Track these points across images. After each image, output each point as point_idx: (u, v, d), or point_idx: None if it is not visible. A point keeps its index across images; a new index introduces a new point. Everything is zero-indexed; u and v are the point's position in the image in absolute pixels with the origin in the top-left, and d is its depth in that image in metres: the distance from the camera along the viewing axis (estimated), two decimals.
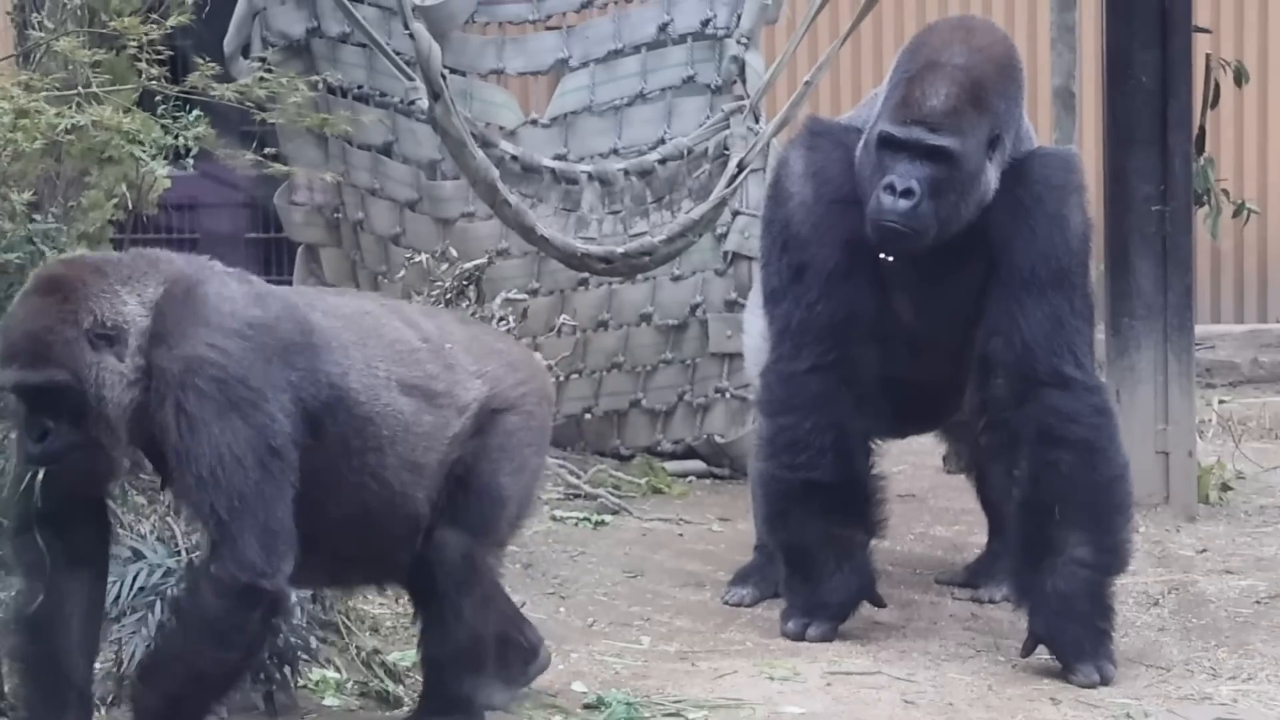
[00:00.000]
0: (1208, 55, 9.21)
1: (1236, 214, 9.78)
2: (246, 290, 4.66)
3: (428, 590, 5.12)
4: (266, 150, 6.98)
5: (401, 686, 5.88)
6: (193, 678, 4.55)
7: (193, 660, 4.53)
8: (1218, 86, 9.63)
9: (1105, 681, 6.09)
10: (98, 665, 4.92)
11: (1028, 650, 6.28)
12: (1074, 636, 6.17)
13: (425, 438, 4.87)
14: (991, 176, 6.25)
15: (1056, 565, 6.19)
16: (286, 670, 5.58)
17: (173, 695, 4.56)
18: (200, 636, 4.52)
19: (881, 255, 6.29)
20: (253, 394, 4.47)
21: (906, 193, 6.09)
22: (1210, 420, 9.85)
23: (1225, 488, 8.53)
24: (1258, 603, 6.94)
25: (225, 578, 4.45)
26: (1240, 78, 9.79)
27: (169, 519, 5.60)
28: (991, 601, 6.94)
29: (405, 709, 5.74)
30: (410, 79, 7.39)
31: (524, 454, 5.19)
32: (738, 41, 8.88)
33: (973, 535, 7.59)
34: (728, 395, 8.91)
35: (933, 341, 6.52)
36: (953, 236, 6.26)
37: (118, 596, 5.16)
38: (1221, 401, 10.45)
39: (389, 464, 4.78)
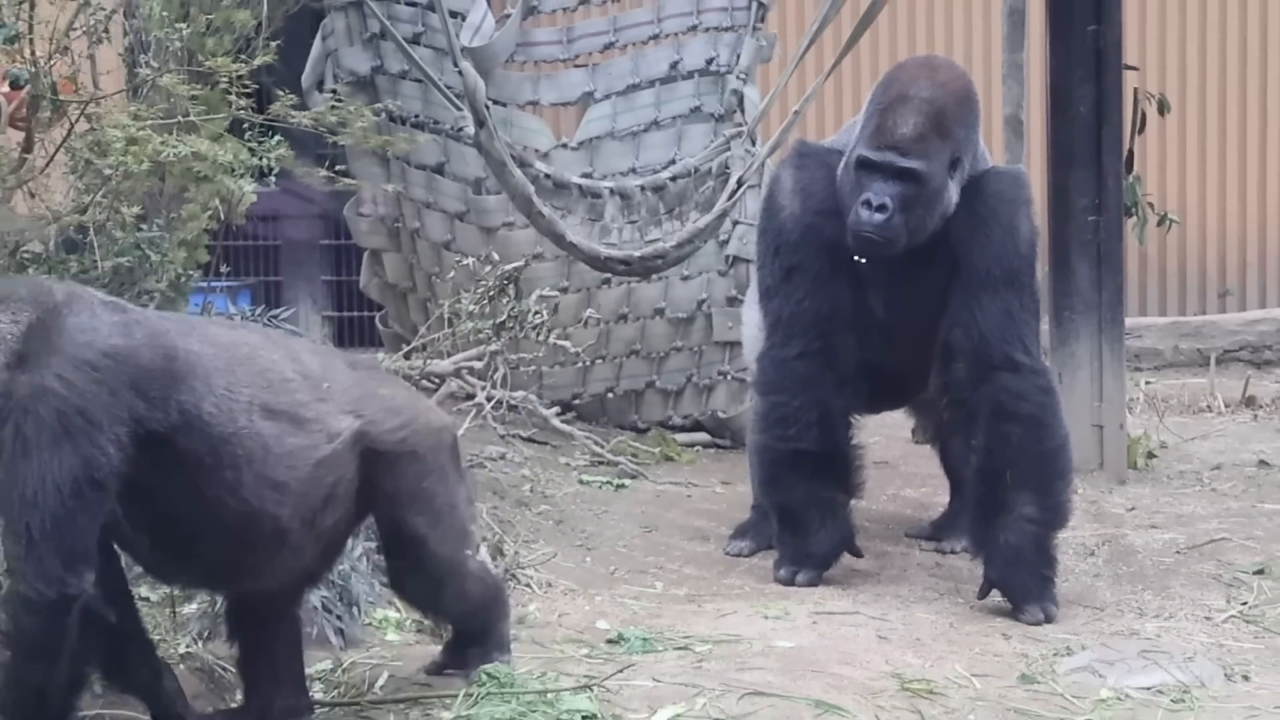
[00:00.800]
0: (1135, 89, 9.17)
1: (1160, 223, 9.73)
2: (114, 320, 4.29)
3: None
4: (337, 169, 6.98)
5: None
6: (33, 694, 4.23)
7: (27, 679, 4.23)
8: (1144, 115, 9.59)
9: (1049, 620, 6.08)
10: None
11: (983, 593, 6.26)
12: (1022, 582, 6.16)
13: (288, 458, 4.45)
14: (953, 192, 6.24)
15: (1008, 522, 6.17)
16: (354, 610, 5.59)
17: (25, 714, 4.26)
18: (26, 656, 4.21)
19: (859, 259, 6.29)
20: (89, 427, 4.15)
21: (881, 208, 6.09)
22: (1138, 399, 9.83)
23: (1151, 456, 8.51)
24: (1178, 553, 6.92)
25: (33, 595, 4.12)
26: (1163, 108, 9.75)
27: None
28: (953, 552, 6.93)
29: None
30: (459, 109, 7.39)
31: (433, 492, 4.83)
32: (737, 77, 8.88)
33: (937, 496, 7.57)
34: (729, 377, 8.90)
35: (903, 332, 6.50)
36: (920, 243, 6.25)
37: None
38: (1148, 383, 10.41)
39: (246, 481, 4.39)
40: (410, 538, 4.82)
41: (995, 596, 6.23)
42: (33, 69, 5.68)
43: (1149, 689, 5.34)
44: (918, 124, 6.14)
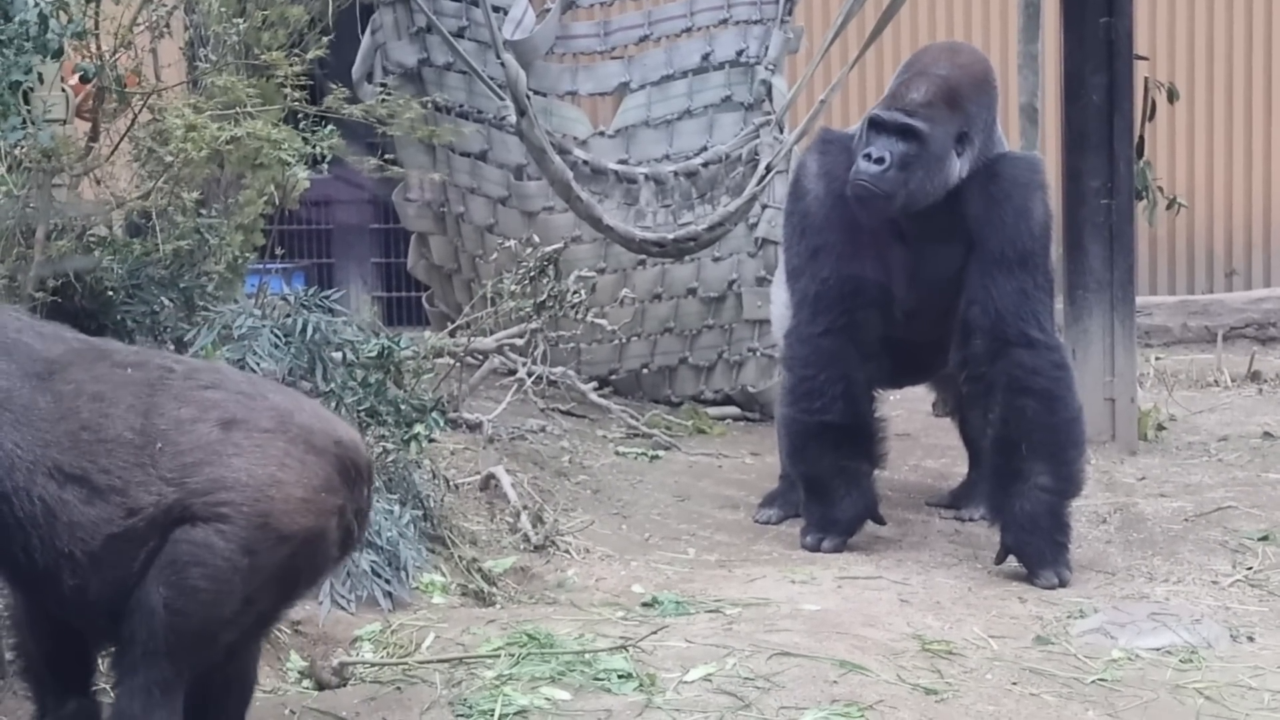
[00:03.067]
0: (1146, 78, 9.14)
1: (1169, 207, 9.73)
2: None
3: None
4: (386, 157, 6.98)
5: (494, 588, 5.90)
6: None
7: None
8: (1154, 103, 9.57)
9: (1063, 584, 6.08)
10: None
11: (1000, 559, 6.26)
12: (1037, 548, 6.15)
13: (74, 528, 3.87)
14: (958, 166, 6.23)
15: (1023, 490, 6.17)
16: (402, 574, 5.61)
17: None
18: None
19: (859, 213, 6.27)
20: None
21: (879, 160, 6.12)
22: (1148, 374, 9.78)
23: (1160, 428, 8.47)
24: (1186, 520, 6.89)
25: None
26: (1172, 96, 9.74)
27: None
28: (971, 520, 6.92)
29: (498, 606, 5.76)
30: (502, 99, 7.39)
31: (192, 572, 3.87)
32: (766, 68, 8.86)
33: (956, 467, 7.55)
34: (758, 354, 8.89)
35: (922, 309, 6.50)
36: (934, 222, 6.25)
37: None
38: (1157, 358, 10.36)
39: (32, 545, 3.88)
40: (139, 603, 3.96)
41: (1012, 562, 6.22)
42: (99, 63, 5.69)
43: (1158, 649, 5.35)
44: (928, 91, 6.18)
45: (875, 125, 6.20)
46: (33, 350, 4.05)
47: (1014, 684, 5.03)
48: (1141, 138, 9.07)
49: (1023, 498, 6.17)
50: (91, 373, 4.02)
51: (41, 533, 3.89)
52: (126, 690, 3.94)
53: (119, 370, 4.04)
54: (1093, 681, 5.09)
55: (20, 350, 4.04)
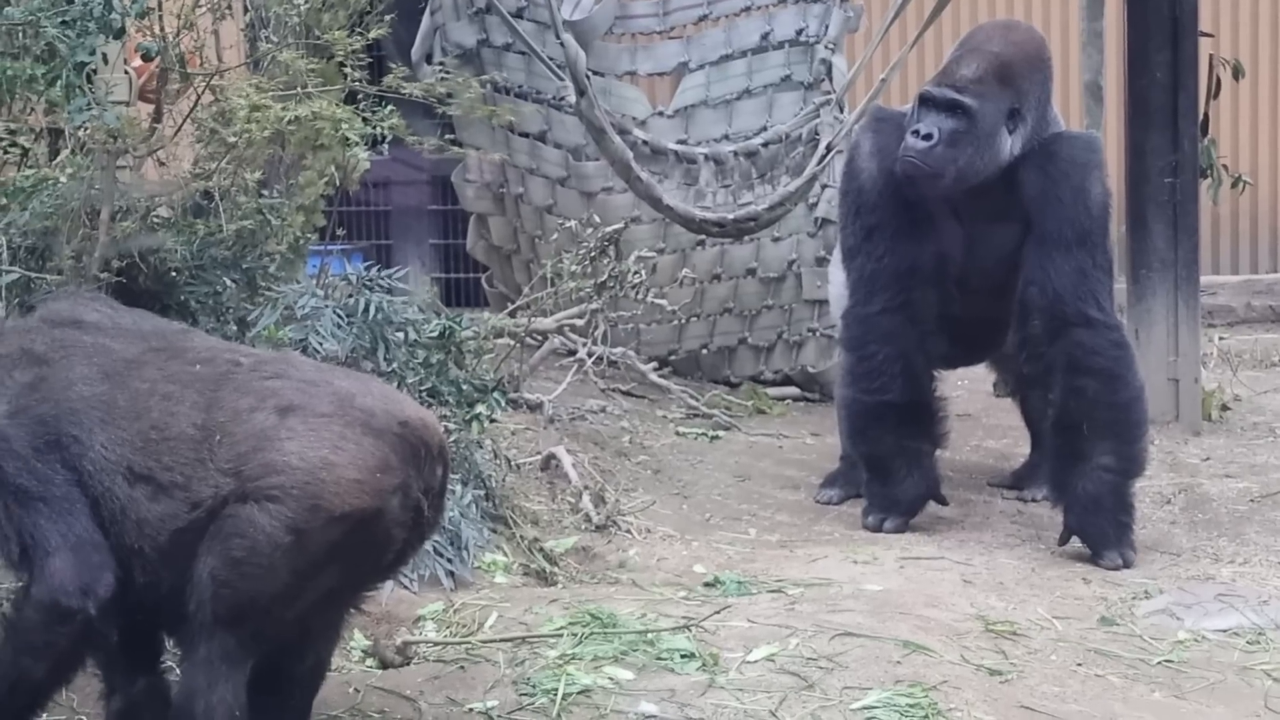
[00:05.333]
0: (1210, 55, 9.06)
1: (1234, 185, 9.65)
2: (21, 379, 4.07)
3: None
4: (446, 137, 7.00)
5: (556, 568, 5.92)
6: (7, 685, 4.05)
7: (7, 667, 4.04)
8: (1219, 80, 9.50)
9: (1127, 565, 6.06)
10: None
11: (1063, 540, 6.24)
12: (1101, 529, 6.13)
13: (141, 525, 3.98)
14: (1009, 143, 6.21)
15: (1086, 471, 6.14)
16: (464, 554, 5.63)
17: None
18: (14, 645, 4.04)
19: (908, 190, 6.26)
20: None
21: (927, 136, 6.13)
22: (1212, 353, 9.72)
23: (1224, 408, 8.42)
24: (1251, 501, 6.86)
25: (40, 595, 3.96)
26: (1238, 73, 9.66)
27: None
28: (1034, 501, 6.90)
29: (560, 585, 5.77)
30: (561, 79, 7.40)
31: (234, 544, 3.92)
32: (825, 47, 8.84)
33: (1018, 447, 7.53)
34: (818, 334, 8.88)
35: (979, 288, 6.49)
36: (989, 200, 6.24)
37: None
38: (1221, 338, 10.31)
39: (110, 543, 3.98)
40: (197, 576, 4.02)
41: (1075, 543, 6.20)
42: (162, 43, 5.72)
43: (1225, 631, 5.32)
44: (979, 67, 6.17)
45: (925, 101, 6.19)
46: (112, 350, 4.15)
47: (1079, 665, 5.02)
48: (1206, 115, 9.01)
49: (1085, 478, 6.14)
50: (164, 371, 4.10)
51: (117, 530, 3.98)
52: (190, 665, 3.99)
53: (189, 368, 4.11)
54: (1158, 663, 5.07)
55: (101, 352, 4.14)
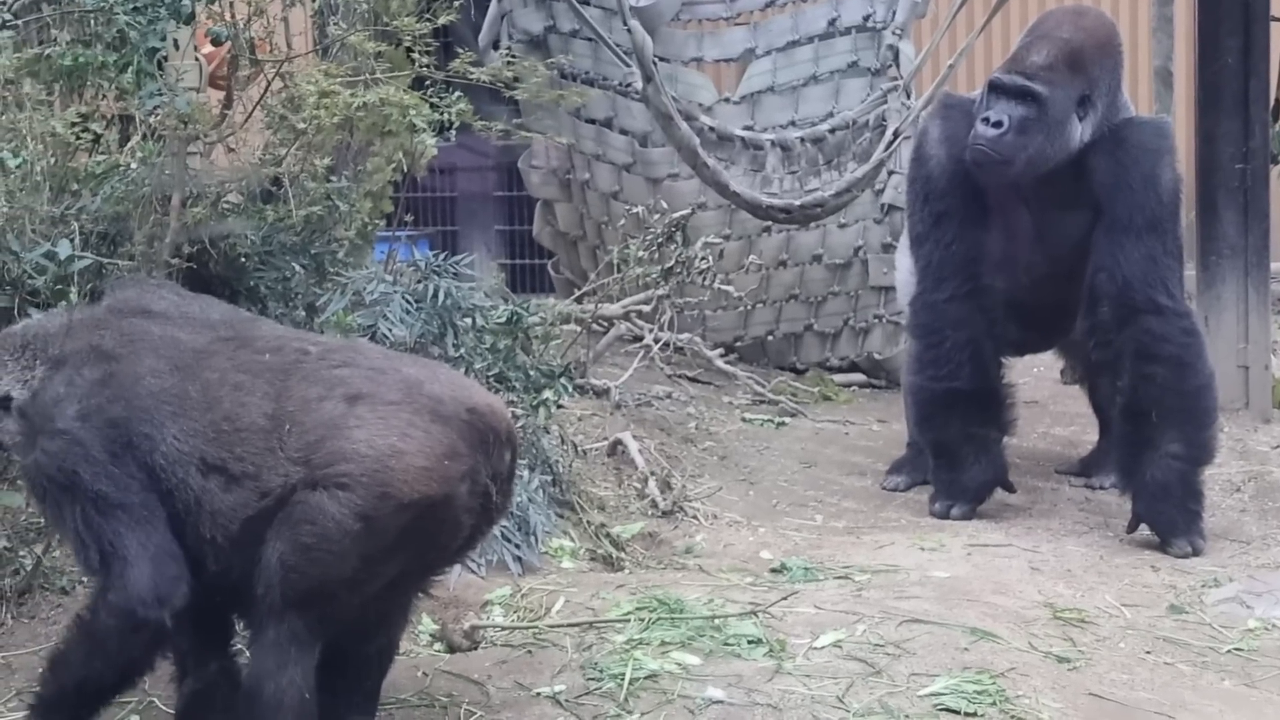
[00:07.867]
0: None
1: None
2: (90, 376, 4.11)
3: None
4: (514, 123, 7.01)
5: (623, 553, 5.92)
6: (76, 682, 4.10)
7: (78, 667, 4.10)
8: None
9: (1196, 553, 6.02)
10: None
11: (1132, 528, 6.20)
12: (1170, 516, 6.09)
13: (215, 515, 4.01)
14: (1079, 130, 6.18)
15: (1154, 458, 6.11)
16: (531, 539, 5.64)
17: (60, 690, 4.13)
18: (87, 648, 4.08)
19: (978, 178, 6.24)
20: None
21: (997, 124, 6.11)
22: None
23: None
24: None
25: (118, 603, 4.00)
26: None
27: None
28: (1101, 488, 6.87)
29: (627, 571, 5.78)
30: (627, 65, 7.39)
31: (303, 529, 3.94)
32: (893, 33, 8.82)
33: (1086, 434, 7.49)
34: (884, 320, 8.87)
35: (1048, 275, 6.46)
36: (1059, 187, 6.21)
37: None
38: None
39: (184, 534, 4.03)
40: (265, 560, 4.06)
41: (1144, 530, 6.16)
42: (232, 29, 5.75)
43: None
44: (1049, 53, 6.14)
45: (995, 88, 6.16)
46: (180, 341, 4.17)
47: (1148, 653, 4.99)
48: (1278, 101, 8.93)
49: (1154, 466, 6.10)
50: (234, 361, 4.13)
51: (192, 521, 4.03)
52: (259, 647, 4.02)
53: (258, 357, 4.13)
54: (1228, 651, 5.03)
55: (169, 344, 4.16)
